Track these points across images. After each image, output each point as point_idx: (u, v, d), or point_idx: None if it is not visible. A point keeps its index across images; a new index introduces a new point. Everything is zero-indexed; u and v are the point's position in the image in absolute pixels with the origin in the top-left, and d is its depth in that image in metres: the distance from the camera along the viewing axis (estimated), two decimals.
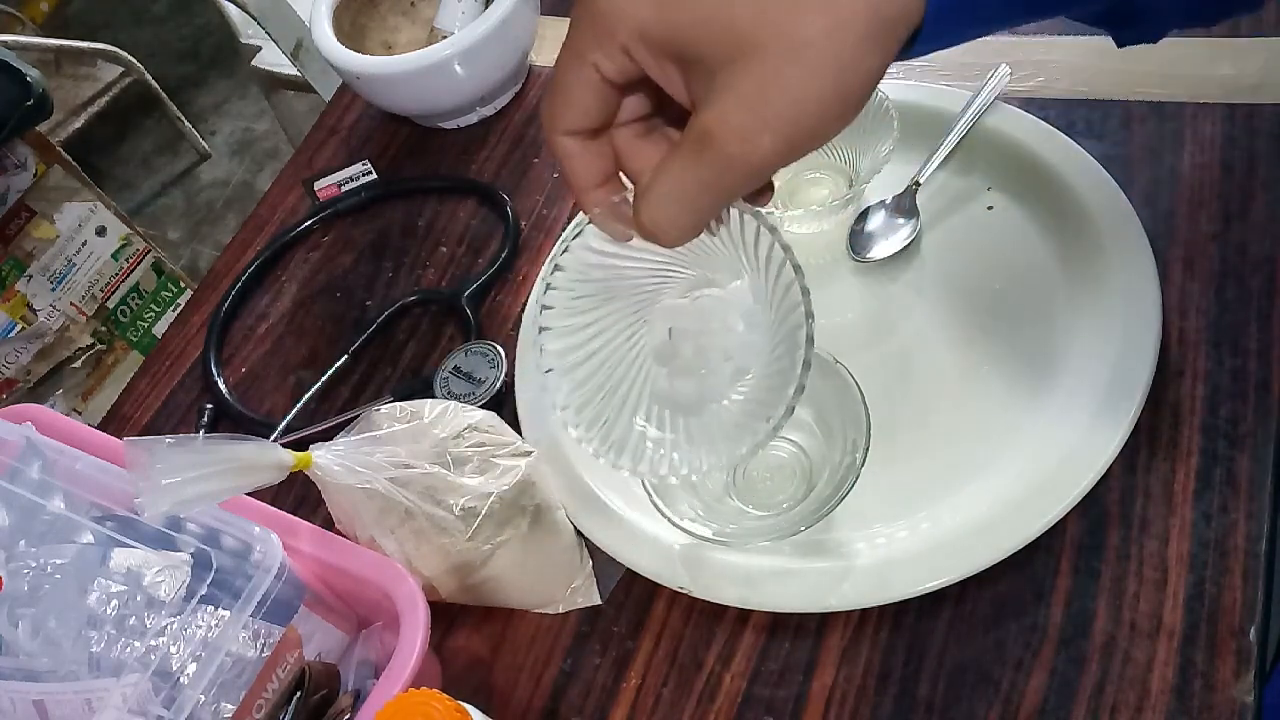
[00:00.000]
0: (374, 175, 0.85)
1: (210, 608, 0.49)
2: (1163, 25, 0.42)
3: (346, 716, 0.51)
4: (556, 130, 0.38)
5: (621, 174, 0.41)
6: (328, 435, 0.57)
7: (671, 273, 0.45)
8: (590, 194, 0.40)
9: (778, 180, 0.68)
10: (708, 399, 0.46)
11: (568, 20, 0.38)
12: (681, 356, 0.46)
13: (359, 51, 0.82)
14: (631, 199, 0.39)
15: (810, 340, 0.41)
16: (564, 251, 0.43)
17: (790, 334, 0.42)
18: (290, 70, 1.58)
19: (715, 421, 0.46)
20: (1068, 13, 0.40)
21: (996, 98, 0.68)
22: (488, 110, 0.86)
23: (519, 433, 0.62)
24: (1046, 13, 0.39)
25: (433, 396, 0.66)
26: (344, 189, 0.85)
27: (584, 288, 0.44)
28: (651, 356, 0.46)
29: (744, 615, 0.56)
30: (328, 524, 0.56)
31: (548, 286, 0.44)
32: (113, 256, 1.63)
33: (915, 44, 0.35)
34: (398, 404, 0.56)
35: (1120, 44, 0.43)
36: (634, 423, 0.46)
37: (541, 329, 0.45)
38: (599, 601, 0.59)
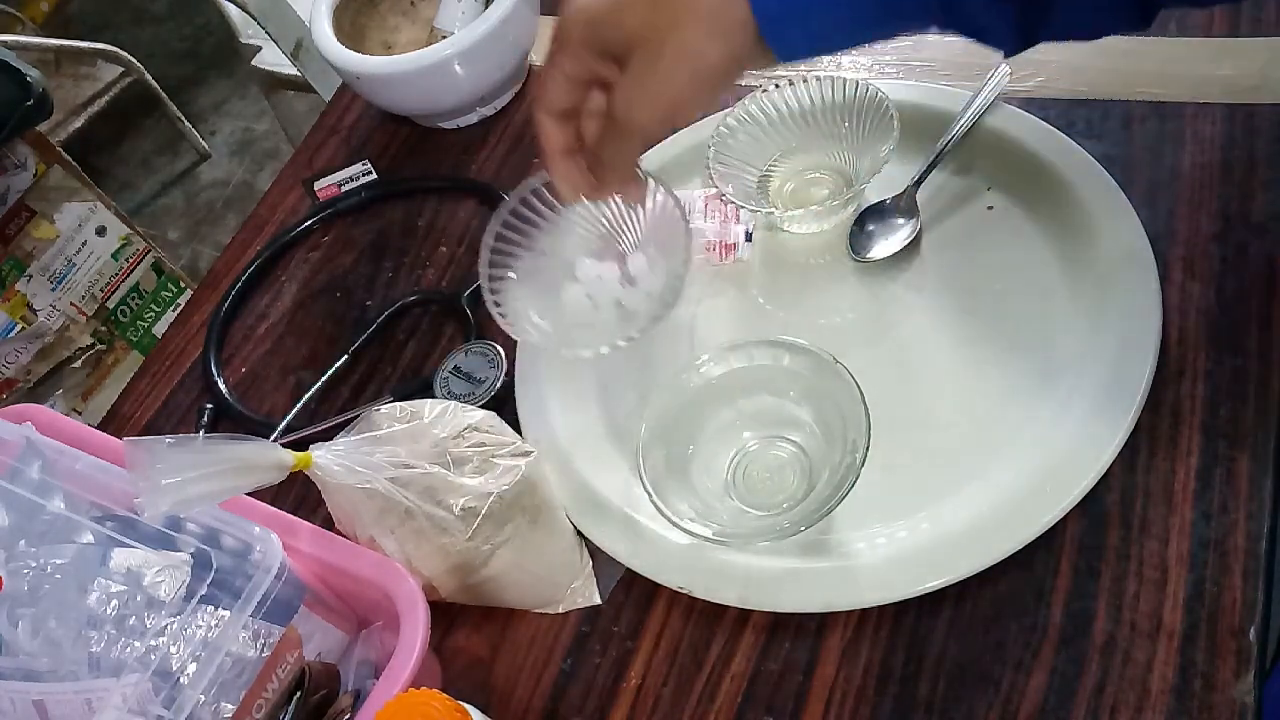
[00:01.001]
0: (374, 175, 0.85)
1: (210, 608, 0.49)
2: (1003, 37, 0.48)
3: (346, 716, 0.51)
4: (539, 108, 0.51)
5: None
6: (328, 435, 0.57)
7: (590, 241, 0.61)
8: (556, 158, 0.52)
9: (779, 180, 0.70)
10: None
11: None
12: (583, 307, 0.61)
13: (359, 51, 0.82)
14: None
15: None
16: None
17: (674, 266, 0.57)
18: (290, 70, 1.58)
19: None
20: (906, 29, 0.49)
21: (996, 98, 0.68)
22: (488, 110, 0.86)
23: (519, 433, 0.62)
24: (882, 25, 0.48)
25: (433, 396, 0.66)
26: (344, 189, 0.85)
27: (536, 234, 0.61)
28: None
29: (744, 615, 0.56)
30: (328, 524, 0.56)
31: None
32: (113, 256, 1.63)
33: (777, 50, 0.46)
34: (398, 404, 0.56)
35: (1007, 54, 0.50)
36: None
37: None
38: (599, 601, 0.59)
